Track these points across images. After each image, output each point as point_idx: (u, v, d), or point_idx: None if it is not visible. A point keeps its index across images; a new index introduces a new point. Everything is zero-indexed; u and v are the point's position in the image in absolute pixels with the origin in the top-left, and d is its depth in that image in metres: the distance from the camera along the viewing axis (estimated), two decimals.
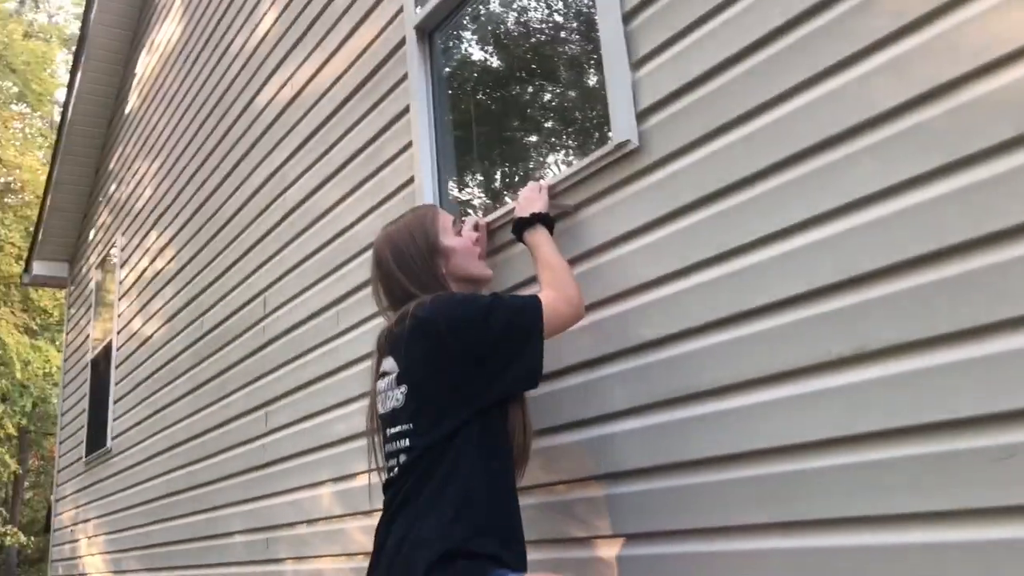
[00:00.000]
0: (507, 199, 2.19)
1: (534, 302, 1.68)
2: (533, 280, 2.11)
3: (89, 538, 5.99)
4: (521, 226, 1.92)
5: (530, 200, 1.96)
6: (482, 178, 2.67)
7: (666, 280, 1.77)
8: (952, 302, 1.30)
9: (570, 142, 2.32)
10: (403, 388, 1.63)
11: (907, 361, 1.35)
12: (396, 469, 1.61)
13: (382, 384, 1.70)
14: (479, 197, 2.68)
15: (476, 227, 2.05)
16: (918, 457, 1.31)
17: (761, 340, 1.57)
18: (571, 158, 2.17)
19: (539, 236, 1.88)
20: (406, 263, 1.82)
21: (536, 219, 1.90)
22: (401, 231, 1.89)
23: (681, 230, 1.75)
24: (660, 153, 1.81)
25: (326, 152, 3.28)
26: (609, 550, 1.84)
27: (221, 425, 3.99)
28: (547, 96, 2.48)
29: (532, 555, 1.93)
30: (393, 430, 1.63)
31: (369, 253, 2.87)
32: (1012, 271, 1.23)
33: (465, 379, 1.60)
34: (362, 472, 2.78)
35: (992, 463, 1.22)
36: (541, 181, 2.06)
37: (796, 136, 1.55)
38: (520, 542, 1.62)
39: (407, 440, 1.59)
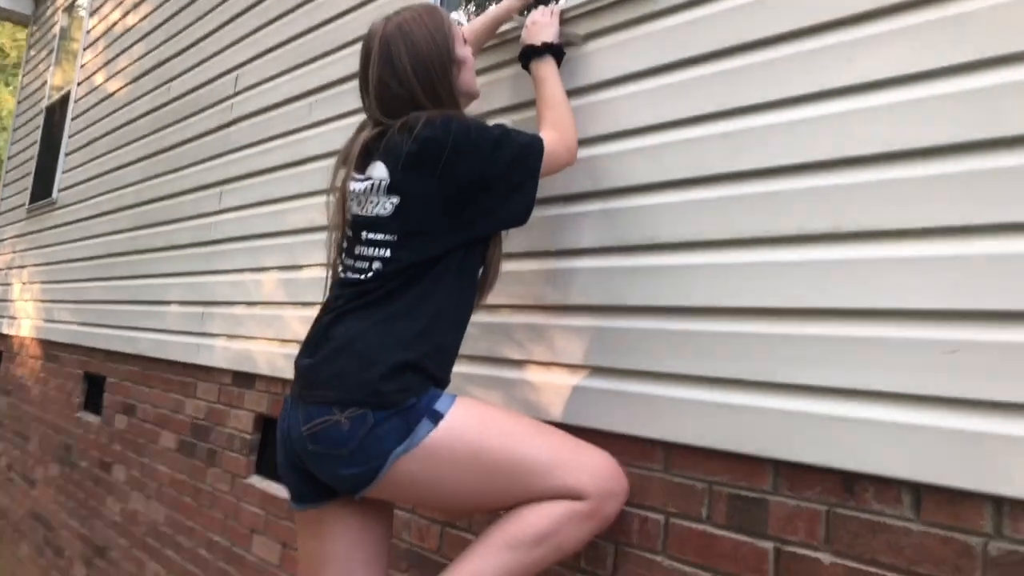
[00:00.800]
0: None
1: (539, 143, 1.62)
2: (525, 106, 2.05)
3: (23, 284, 5.95)
4: (529, 54, 1.83)
5: (541, 26, 1.85)
6: None
7: (656, 129, 1.73)
8: (933, 200, 1.30)
9: None
10: (395, 199, 1.55)
11: (876, 248, 1.36)
12: (368, 273, 1.57)
13: (361, 186, 1.60)
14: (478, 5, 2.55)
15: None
16: (870, 339, 1.34)
17: (739, 203, 1.56)
18: None
19: (547, 68, 1.79)
20: (424, 67, 1.60)
21: (546, 49, 1.80)
22: (420, 28, 1.62)
23: (682, 82, 1.70)
24: (673, 0, 1.73)
25: None
26: (540, 375, 1.88)
27: (173, 196, 3.91)
28: None
29: (465, 369, 1.97)
30: (373, 236, 1.57)
31: (355, 47, 2.76)
32: (1002, 179, 1.23)
33: (463, 207, 1.56)
34: (311, 264, 2.78)
35: (940, 355, 1.26)
36: (554, 5, 1.95)
37: (819, 6, 1.48)
38: (450, 366, 1.66)
39: (388, 251, 1.55)
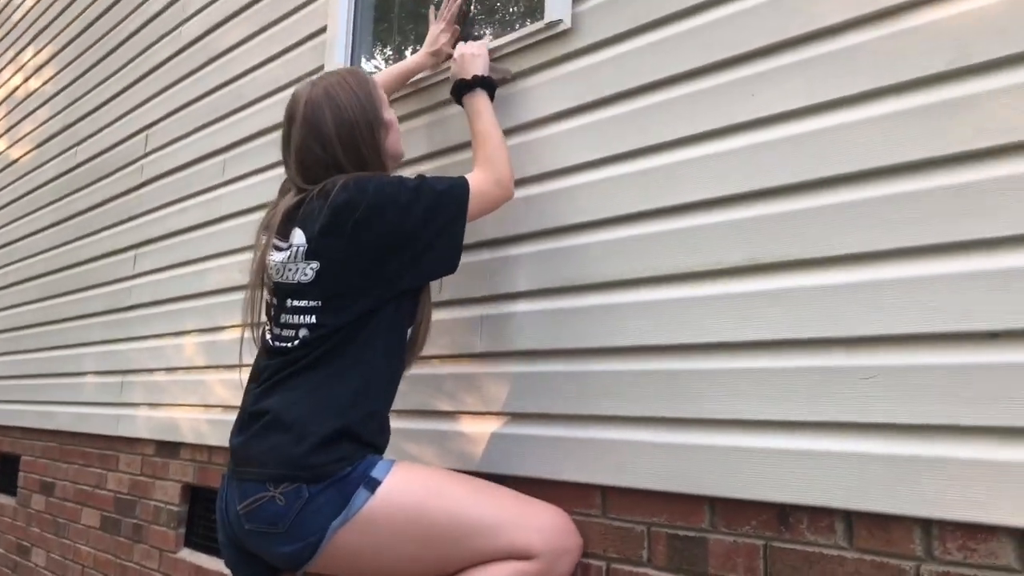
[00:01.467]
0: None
1: (461, 186, 1.58)
2: (443, 152, 2.05)
3: None
4: (461, 89, 1.80)
5: (472, 59, 1.82)
6: (400, 40, 2.53)
7: (577, 170, 1.75)
8: (843, 228, 1.33)
9: (499, 18, 2.22)
10: (314, 265, 1.51)
11: (792, 278, 1.38)
12: (295, 341, 1.52)
13: (282, 255, 1.56)
14: (394, 61, 2.55)
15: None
16: (793, 369, 1.36)
17: (663, 240, 1.57)
18: (499, 32, 2.08)
19: (479, 102, 1.76)
20: (349, 131, 1.57)
21: (477, 82, 1.78)
22: (346, 92, 1.59)
23: (600, 121, 1.72)
24: (591, 39, 1.76)
25: None
26: (473, 425, 1.85)
27: (86, 262, 3.77)
28: None
29: (396, 424, 1.92)
30: (297, 303, 1.53)
31: (267, 103, 2.73)
32: (904, 204, 1.26)
33: (384, 264, 1.52)
34: (231, 326, 2.70)
35: (858, 381, 1.28)
36: (483, 39, 1.95)
37: (726, 42, 1.52)
38: (386, 431, 1.61)
39: (313, 317, 1.51)
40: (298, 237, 1.54)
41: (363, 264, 1.51)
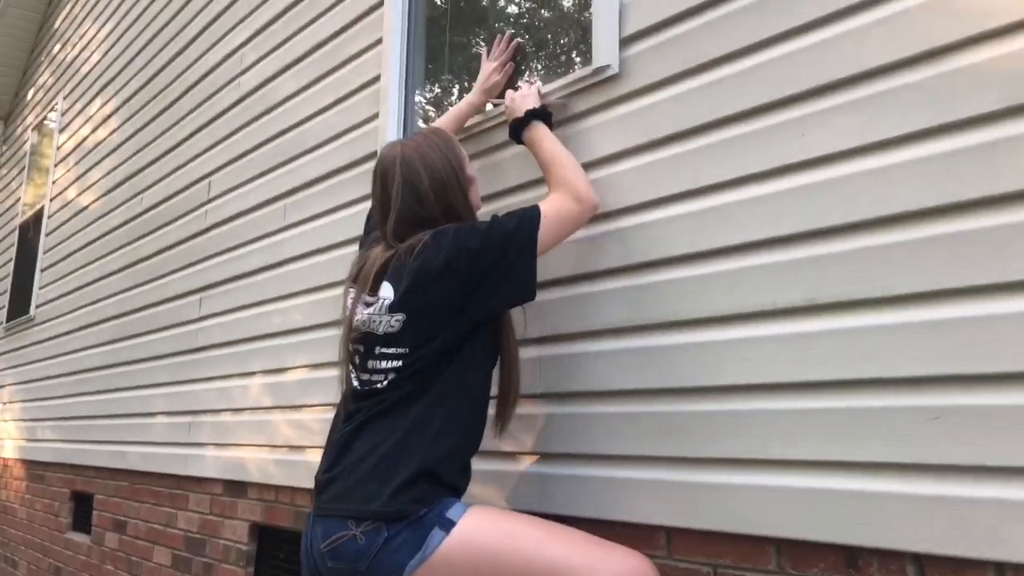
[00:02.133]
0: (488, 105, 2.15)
1: (530, 217, 1.61)
2: (520, 188, 2.07)
3: (4, 404, 5.87)
4: (518, 128, 1.84)
5: (521, 99, 1.87)
6: (453, 87, 2.60)
7: (630, 211, 1.77)
8: (905, 266, 1.33)
9: (547, 62, 2.26)
10: (399, 316, 1.58)
11: (853, 318, 1.38)
12: (382, 383, 1.59)
13: (367, 310, 1.64)
14: (441, 107, 2.61)
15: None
16: (855, 410, 1.36)
17: (717, 281, 1.59)
18: (546, 78, 2.12)
19: (538, 132, 1.80)
20: (443, 190, 1.66)
21: (532, 116, 1.82)
22: (435, 152, 1.68)
23: (650, 163, 1.74)
24: (639, 83, 1.79)
25: (290, 38, 3.15)
26: (537, 466, 1.87)
27: (153, 305, 3.91)
28: (528, 11, 2.40)
29: None
30: (385, 350, 1.60)
31: (325, 149, 2.82)
32: (963, 242, 1.26)
33: (465, 304, 1.58)
34: (296, 367, 2.77)
35: (925, 422, 1.27)
36: (533, 82, 1.99)
37: (777, 83, 1.54)
38: (468, 473, 1.65)
39: (399, 362, 1.58)
40: (385, 290, 1.62)
41: (445, 310, 1.57)
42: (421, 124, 2.54)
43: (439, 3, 2.61)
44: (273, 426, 2.84)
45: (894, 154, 1.36)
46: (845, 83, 1.44)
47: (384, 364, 1.60)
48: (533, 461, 1.89)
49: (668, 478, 1.61)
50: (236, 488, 3.06)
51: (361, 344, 1.65)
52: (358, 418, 1.61)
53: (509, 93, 1.94)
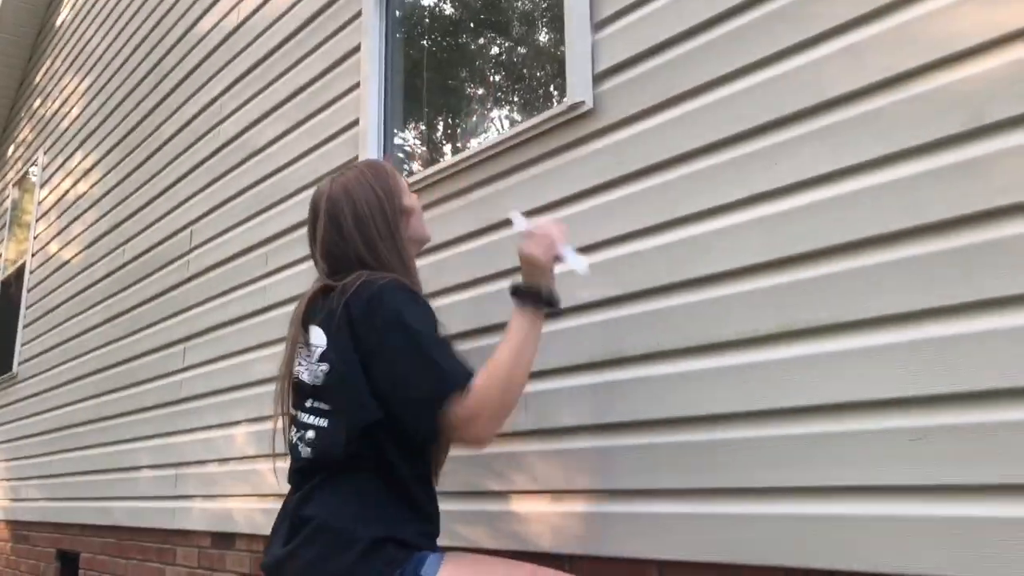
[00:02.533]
0: (448, 152, 2.17)
1: (454, 378, 1.40)
2: (489, 230, 2.07)
3: None
4: (525, 294, 1.53)
5: (547, 248, 1.53)
6: (428, 128, 2.62)
7: (606, 245, 1.78)
8: (875, 290, 1.34)
9: (521, 98, 2.29)
10: (324, 366, 1.49)
11: (829, 343, 1.39)
12: (311, 448, 1.49)
13: (304, 357, 1.55)
14: (424, 147, 2.63)
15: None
16: (836, 434, 1.36)
17: (691, 311, 1.59)
18: (521, 115, 2.15)
19: (531, 318, 1.51)
20: (366, 226, 1.58)
21: (545, 300, 1.53)
22: (363, 186, 1.60)
23: (627, 196, 1.76)
24: (613, 118, 1.81)
25: (268, 85, 3.18)
26: (524, 505, 1.85)
27: (136, 358, 3.88)
28: (503, 49, 2.44)
29: (446, 506, 1.93)
30: (315, 404, 1.52)
31: (306, 194, 2.83)
32: (936, 263, 1.27)
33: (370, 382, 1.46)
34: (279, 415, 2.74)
35: (906, 443, 1.27)
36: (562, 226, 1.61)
37: (746, 114, 1.56)
38: (434, 521, 1.58)
39: (325, 420, 1.49)
40: (317, 336, 1.53)
41: (363, 375, 1.46)
42: (402, 161, 2.56)
43: (419, 44, 2.65)
44: (259, 475, 2.81)
45: (862, 179, 1.38)
46: (811, 112, 1.47)
47: (312, 419, 1.50)
48: (518, 499, 1.87)
49: (657, 511, 1.59)
50: (224, 540, 3.01)
51: (300, 395, 1.55)
52: (306, 484, 1.50)
53: (539, 222, 1.59)
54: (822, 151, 1.44)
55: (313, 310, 1.58)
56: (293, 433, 1.57)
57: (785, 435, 1.42)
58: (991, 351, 1.21)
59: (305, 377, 1.53)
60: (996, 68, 1.25)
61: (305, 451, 1.52)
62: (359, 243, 1.58)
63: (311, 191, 2.78)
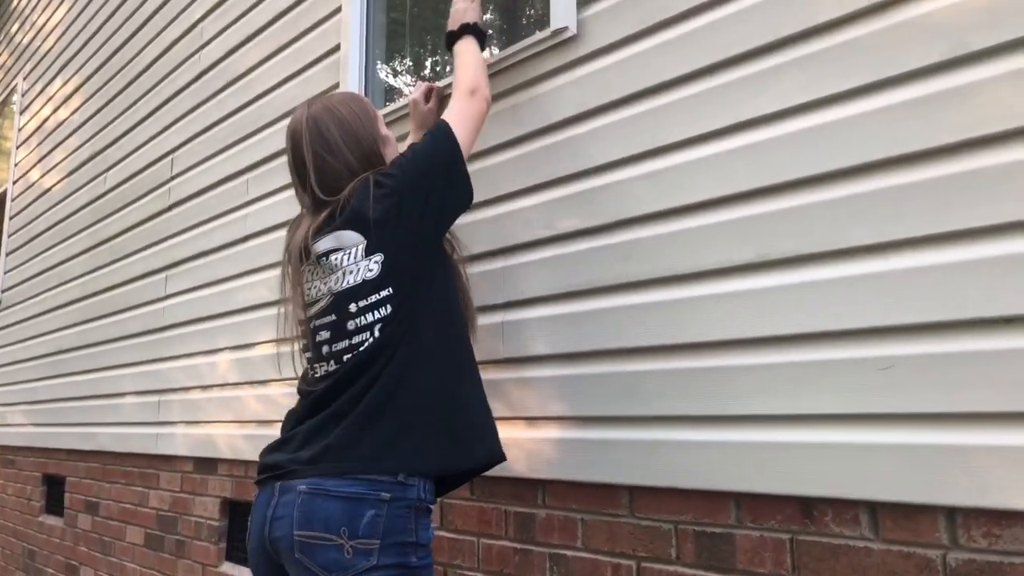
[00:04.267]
0: (429, 80, 2.13)
1: (442, 129, 1.61)
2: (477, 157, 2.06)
3: None
4: (452, 39, 1.83)
5: (461, 11, 1.86)
6: (411, 60, 2.57)
7: (590, 173, 1.77)
8: (850, 220, 1.33)
9: (506, 24, 2.25)
10: (377, 256, 1.51)
11: (803, 272, 1.39)
12: (368, 340, 1.48)
13: (328, 264, 1.55)
14: (406, 77, 2.59)
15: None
16: (810, 363, 1.37)
17: (675, 240, 1.59)
18: (504, 43, 2.11)
19: (464, 45, 1.80)
20: (355, 139, 1.62)
21: (466, 30, 1.82)
22: (344, 106, 1.65)
23: (610, 124, 1.74)
24: (597, 44, 1.78)
25: (249, 9, 3.10)
26: (501, 431, 1.87)
27: (119, 286, 3.86)
28: None
29: None
30: (363, 302, 1.50)
31: (288, 121, 2.78)
32: (910, 194, 1.27)
33: (420, 225, 1.54)
34: (263, 342, 2.75)
35: (875, 372, 1.28)
36: None
37: (731, 41, 1.54)
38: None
39: (388, 307, 1.49)
40: (349, 238, 1.54)
41: (412, 238, 1.53)
42: (383, 92, 2.52)
43: None
44: (241, 402, 2.83)
45: (844, 109, 1.37)
46: (797, 39, 1.44)
47: (367, 318, 1.50)
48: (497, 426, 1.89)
49: (626, 437, 1.62)
50: (206, 465, 3.05)
51: (331, 313, 1.54)
52: (343, 376, 1.49)
53: (455, 3, 1.90)
54: (801, 80, 1.42)
55: (322, 230, 1.56)
56: (327, 359, 1.54)
57: (759, 364, 1.43)
58: (963, 281, 1.21)
59: (350, 282, 1.52)
60: None
61: (351, 354, 1.49)
62: (350, 155, 1.61)
63: None
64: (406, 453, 1.44)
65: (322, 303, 1.56)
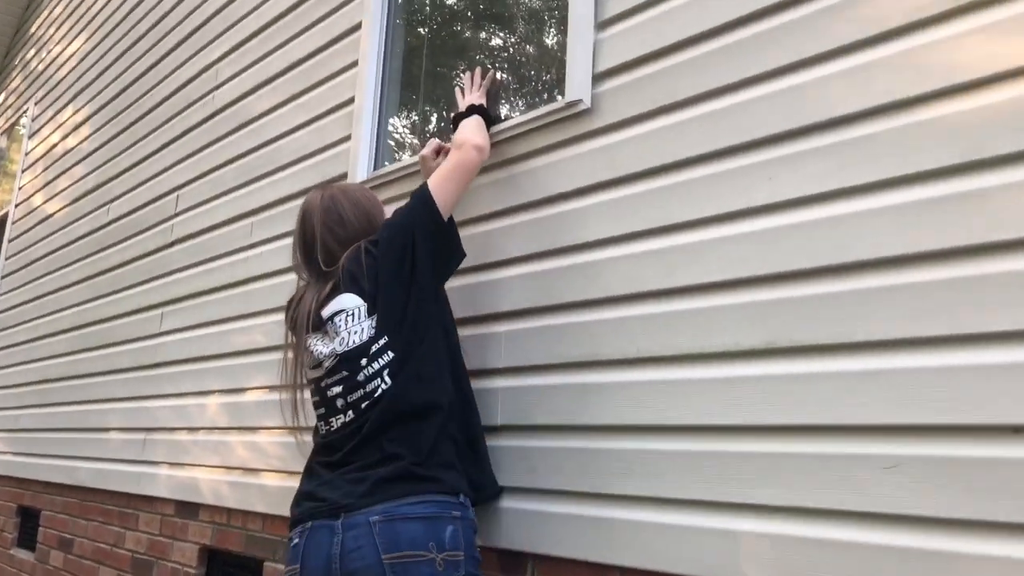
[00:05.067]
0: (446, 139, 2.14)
1: (422, 195, 1.74)
2: (492, 216, 2.07)
3: None
4: (459, 120, 1.94)
5: (471, 97, 2.00)
6: (420, 116, 2.59)
7: (596, 245, 1.77)
8: (865, 314, 1.33)
9: (520, 94, 2.27)
10: (374, 316, 1.66)
11: (812, 363, 1.38)
12: (382, 386, 1.61)
13: (341, 329, 1.68)
14: (416, 134, 2.61)
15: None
16: (812, 456, 1.35)
17: (680, 319, 1.58)
18: (518, 110, 2.13)
19: (467, 119, 1.92)
20: (366, 216, 1.81)
21: (473, 111, 1.94)
22: (358, 190, 1.88)
23: (619, 199, 1.74)
24: (610, 119, 1.79)
25: (266, 55, 3.14)
26: None
27: (113, 318, 3.84)
28: (504, 42, 2.41)
29: None
30: (371, 354, 1.64)
31: (296, 168, 2.80)
32: (923, 292, 1.27)
33: (411, 277, 1.69)
34: (255, 387, 2.72)
35: (880, 471, 1.27)
36: (490, 74, 2.10)
37: (745, 126, 1.55)
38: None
39: (390, 353, 1.63)
40: (350, 301, 1.68)
41: (398, 285, 1.67)
42: (393, 148, 2.54)
43: (419, 31, 2.62)
44: (228, 447, 2.79)
45: (858, 202, 1.37)
46: (813, 129, 1.45)
47: (375, 366, 1.63)
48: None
49: (620, 517, 1.59)
50: (188, 509, 2.99)
51: (342, 370, 1.65)
52: (375, 419, 1.60)
53: (464, 78, 2.09)
54: (818, 171, 1.43)
55: (323, 303, 1.72)
56: (343, 410, 1.65)
57: (763, 452, 1.41)
58: (973, 386, 1.20)
59: (353, 343, 1.65)
60: (998, 103, 1.24)
61: (368, 401, 1.62)
62: (360, 225, 1.79)
63: (302, 165, 2.77)
64: (455, 478, 1.60)
65: (327, 364, 1.68)
